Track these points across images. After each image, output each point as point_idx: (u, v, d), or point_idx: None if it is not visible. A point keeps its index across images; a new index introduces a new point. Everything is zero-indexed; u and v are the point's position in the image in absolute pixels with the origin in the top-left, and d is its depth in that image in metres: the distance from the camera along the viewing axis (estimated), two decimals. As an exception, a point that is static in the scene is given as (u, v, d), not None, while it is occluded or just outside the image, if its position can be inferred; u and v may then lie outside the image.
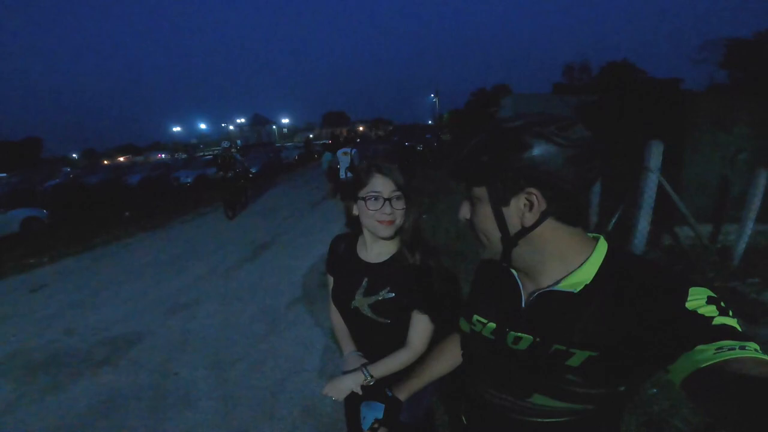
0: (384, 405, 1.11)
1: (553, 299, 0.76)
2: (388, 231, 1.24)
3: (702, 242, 4.54)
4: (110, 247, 8.91)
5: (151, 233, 9.94)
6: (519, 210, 0.73)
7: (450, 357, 1.14)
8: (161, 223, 10.97)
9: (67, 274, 7.15)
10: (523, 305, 0.82)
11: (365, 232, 1.35)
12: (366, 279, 1.34)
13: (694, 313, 0.61)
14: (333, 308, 1.48)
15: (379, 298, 1.30)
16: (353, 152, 8.07)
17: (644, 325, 0.65)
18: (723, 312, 0.62)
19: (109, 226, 10.93)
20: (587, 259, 0.75)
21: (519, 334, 0.80)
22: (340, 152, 8.16)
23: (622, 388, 0.73)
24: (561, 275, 0.75)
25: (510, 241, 0.76)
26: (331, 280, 1.48)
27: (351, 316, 1.38)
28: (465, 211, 0.82)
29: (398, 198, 1.24)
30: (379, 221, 1.23)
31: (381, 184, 1.23)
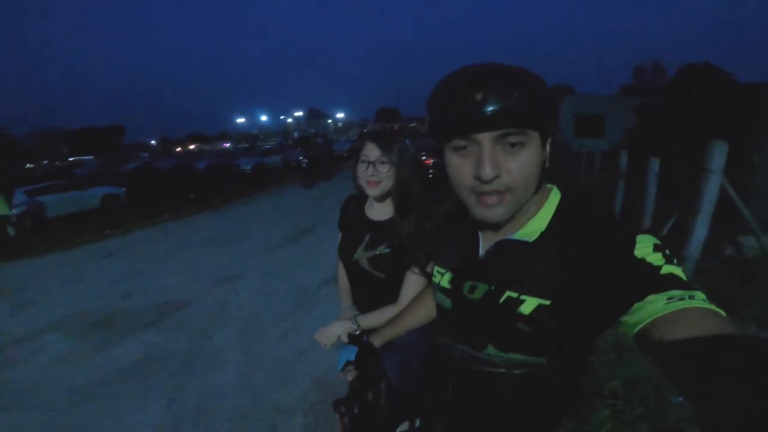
0: (357, 348, 1.15)
1: (509, 248, 0.74)
2: (373, 191, 1.31)
3: (766, 253, 3.96)
4: (174, 223, 9.52)
5: (210, 213, 10.48)
6: (546, 158, 0.70)
7: (424, 308, 1.15)
8: (220, 205, 11.54)
9: (134, 245, 7.71)
10: (480, 255, 0.79)
11: None
12: (368, 235, 1.40)
13: (642, 261, 0.60)
14: (340, 266, 1.55)
15: (377, 253, 1.36)
16: (409, 143, 7.96)
17: (594, 274, 0.63)
18: (669, 260, 0.60)
19: (175, 206, 11.62)
20: (542, 207, 0.73)
21: (475, 283, 0.78)
22: None
23: (575, 340, 0.71)
24: (520, 224, 0.73)
25: (539, 188, 0.71)
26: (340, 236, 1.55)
27: (352, 269, 1.44)
28: (494, 169, 0.63)
29: (382, 162, 1.30)
30: (366, 182, 1.31)
31: (370, 150, 1.31)
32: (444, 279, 0.86)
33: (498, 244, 0.75)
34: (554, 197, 0.74)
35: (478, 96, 0.60)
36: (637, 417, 2.03)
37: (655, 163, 4.67)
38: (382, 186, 1.32)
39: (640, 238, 0.63)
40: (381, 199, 1.38)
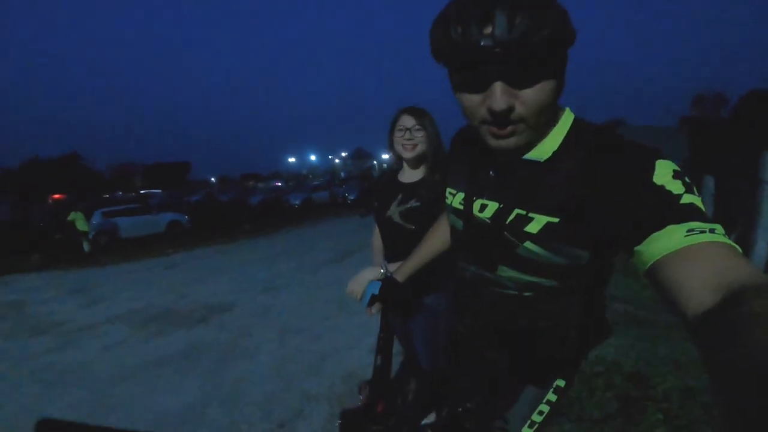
0: (381, 283, 1.20)
1: (520, 167, 0.71)
2: (409, 153, 1.48)
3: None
4: (229, 246, 10.05)
5: (261, 238, 10.97)
6: (563, 83, 0.65)
7: (439, 237, 1.14)
8: (271, 232, 12.09)
9: (194, 259, 8.28)
10: (491, 174, 0.77)
11: (404, 162, 1.60)
12: (400, 194, 1.55)
13: (662, 188, 0.56)
14: (375, 232, 1.73)
15: (408, 206, 1.51)
16: None
17: (609, 195, 0.60)
18: (689, 189, 0.57)
19: (231, 233, 12.33)
20: (555, 127, 0.69)
21: (485, 201, 0.77)
22: None
23: (584, 263, 0.69)
24: (533, 145, 0.69)
25: (552, 115, 0.68)
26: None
27: (385, 226, 1.60)
28: (508, 99, 0.58)
29: (417, 129, 1.48)
30: (403, 146, 1.48)
31: (406, 120, 1.49)
32: (456, 200, 0.85)
33: (509, 163, 0.73)
34: (567, 117, 0.70)
35: (488, 28, 0.55)
36: (693, 421, 1.88)
37: (709, 181, 4.40)
38: (418, 149, 1.49)
39: (659, 163, 0.59)
40: (415, 164, 1.54)
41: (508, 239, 0.72)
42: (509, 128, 0.62)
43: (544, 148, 0.68)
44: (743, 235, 4.01)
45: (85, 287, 6.09)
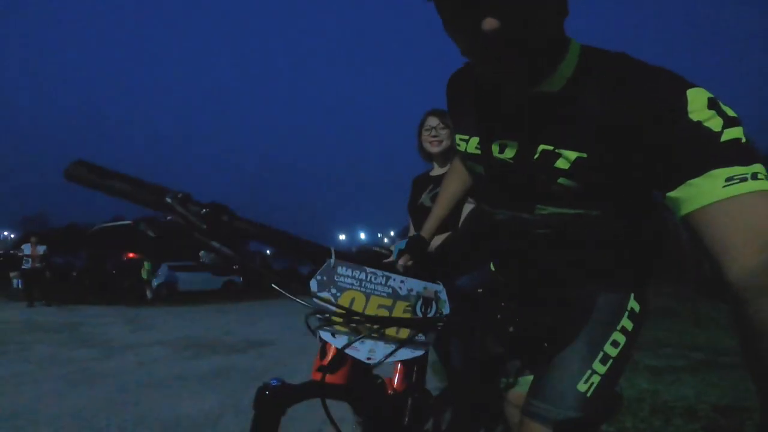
0: (408, 239, 1.16)
1: (534, 101, 0.64)
2: (436, 149, 1.64)
3: None
4: (281, 300, 10.12)
5: (309, 299, 11.06)
6: (566, 8, 0.59)
7: (454, 182, 1.11)
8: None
9: (245, 308, 8.53)
10: (503, 112, 0.69)
11: (433, 161, 1.76)
12: (431, 185, 1.69)
13: (698, 125, 0.49)
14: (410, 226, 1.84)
15: (438, 191, 1.53)
16: None
17: (637, 132, 0.54)
18: (728, 122, 0.49)
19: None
20: (564, 57, 0.62)
21: (503, 141, 0.69)
22: None
23: (628, 185, 0.62)
24: (543, 76, 0.62)
25: (556, 42, 0.61)
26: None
27: (416, 213, 1.70)
28: (493, 21, 0.50)
29: (442, 128, 1.64)
30: (430, 142, 1.64)
31: (431, 120, 1.67)
32: (470, 145, 0.76)
33: (522, 98, 0.65)
34: (574, 47, 0.63)
35: None
36: None
37: None
38: (443, 145, 1.63)
39: (691, 93, 0.51)
40: (442, 161, 1.69)
41: (539, 177, 0.65)
42: (509, 52, 0.54)
43: (556, 79, 0.61)
44: None
45: (139, 318, 6.28)
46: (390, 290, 0.62)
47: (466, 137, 0.76)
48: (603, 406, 0.77)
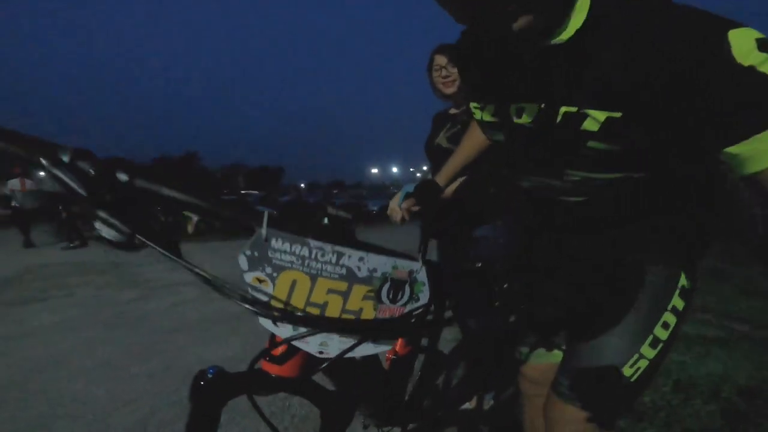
0: (417, 184, 1.07)
1: (545, 57, 0.54)
2: (449, 89, 1.46)
3: None
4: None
5: (336, 232, 11.29)
6: None
7: (476, 138, 1.01)
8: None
9: None
10: (515, 72, 0.60)
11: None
12: (449, 123, 1.57)
13: (752, 70, 0.41)
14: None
15: (454, 130, 1.52)
16: None
17: (679, 84, 0.45)
18: None
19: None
20: (573, 8, 0.51)
21: (520, 104, 0.60)
22: None
23: (669, 142, 0.52)
24: (553, 29, 0.52)
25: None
26: None
27: (434, 153, 1.59)
28: None
29: (453, 66, 1.43)
30: (443, 83, 1.47)
31: (439, 59, 1.48)
32: (485, 113, 0.69)
33: (533, 53, 0.56)
34: None
35: None
36: None
37: None
38: (457, 83, 1.45)
39: (734, 34, 0.42)
40: (461, 99, 1.50)
41: (567, 141, 0.57)
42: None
43: (567, 28, 0.52)
44: None
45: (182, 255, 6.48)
46: (344, 270, 0.47)
47: (481, 105, 0.69)
48: (645, 390, 0.70)
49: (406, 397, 0.85)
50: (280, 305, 0.46)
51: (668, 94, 0.47)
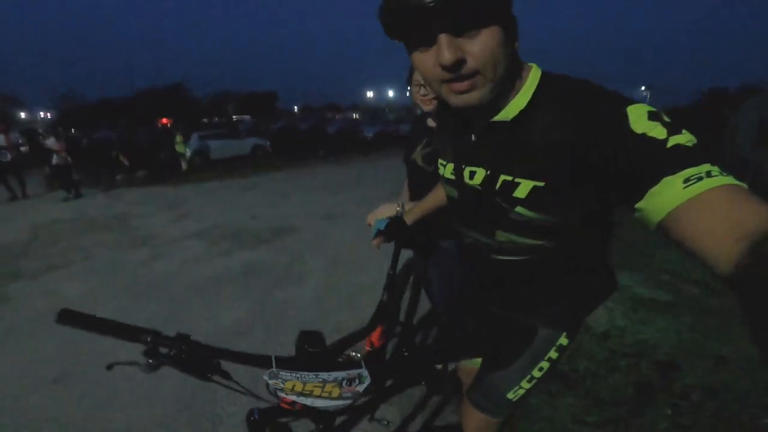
0: (389, 220, 1.21)
1: (495, 130, 0.67)
2: (429, 107, 1.44)
3: None
4: (303, 171, 10.41)
5: (333, 167, 11.19)
6: (516, 37, 0.62)
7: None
8: (343, 162, 12.33)
9: (271, 183, 8.66)
10: (473, 140, 0.73)
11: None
12: (426, 138, 1.52)
13: (644, 137, 0.51)
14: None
15: (429, 150, 1.49)
16: None
17: (589, 154, 0.56)
18: (671, 129, 0.51)
19: (306, 159, 12.72)
20: (523, 86, 0.64)
21: (473, 168, 0.74)
22: None
23: (580, 221, 0.66)
24: (503, 105, 0.65)
25: (513, 70, 0.63)
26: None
27: (410, 169, 1.60)
28: (455, 53, 0.55)
29: None
30: (421, 100, 1.44)
31: (419, 75, 1.35)
32: (447, 170, 0.81)
33: (484, 127, 0.69)
34: (535, 74, 0.65)
35: None
36: (704, 428, 1.62)
37: None
38: (435, 102, 1.41)
39: (631, 109, 0.54)
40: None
41: (500, 205, 0.69)
42: (466, 82, 0.58)
43: (512, 108, 0.64)
44: None
45: (178, 203, 6.64)
46: (321, 380, 0.76)
47: (445, 162, 0.82)
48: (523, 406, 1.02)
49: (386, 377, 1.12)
50: (290, 393, 0.75)
51: (584, 165, 0.57)
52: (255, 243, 4.36)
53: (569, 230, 0.68)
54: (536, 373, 0.88)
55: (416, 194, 1.55)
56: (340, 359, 0.95)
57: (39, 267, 3.78)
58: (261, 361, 0.72)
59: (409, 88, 1.51)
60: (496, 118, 0.65)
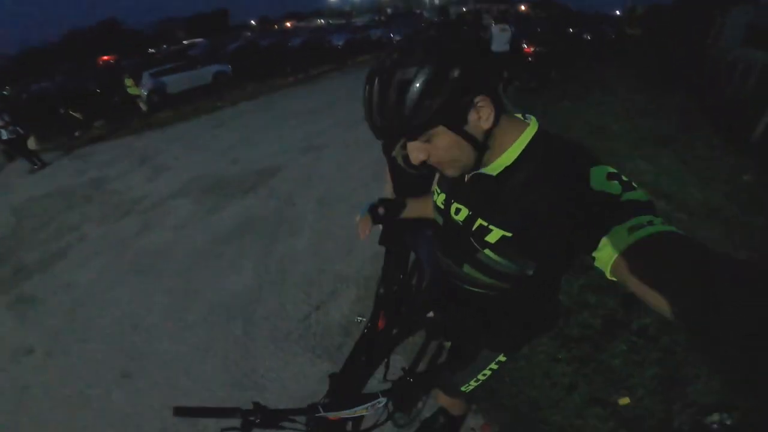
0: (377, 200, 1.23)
1: (480, 180, 0.75)
2: None
3: None
4: (274, 96, 9.78)
5: (304, 87, 10.52)
6: (476, 120, 0.65)
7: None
8: (314, 79, 11.54)
9: (240, 115, 8.16)
10: (465, 180, 0.79)
11: None
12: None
13: (601, 193, 0.58)
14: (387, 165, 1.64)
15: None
16: (511, 28, 7.08)
17: (554, 209, 0.62)
18: (627, 187, 0.58)
19: (275, 79, 11.87)
20: (514, 142, 0.70)
21: (459, 205, 0.81)
22: (497, 28, 6.95)
23: (534, 272, 0.74)
24: (494, 158, 0.71)
25: (483, 147, 0.68)
26: None
27: (391, 162, 1.53)
28: (418, 155, 0.68)
29: None
30: None
31: None
32: (439, 198, 0.88)
33: (474, 176, 0.76)
34: (529, 132, 0.70)
35: (370, 118, 0.67)
36: (651, 360, 1.80)
37: None
38: None
39: (594, 170, 0.60)
40: None
41: (472, 244, 0.77)
42: (438, 168, 0.71)
43: (498, 163, 0.70)
44: None
45: (150, 155, 6.25)
46: (353, 410, 0.96)
47: (439, 191, 0.90)
48: (475, 396, 1.44)
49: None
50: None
51: (549, 221, 0.63)
52: (241, 192, 4.27)
53: (525, 278, 0.76)
54: (481, 377, 1.10)
55: (400, 186, 1.56)
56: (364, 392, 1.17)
57: (42, 257, 3.61)
58: (310, 410, 0.89)
59: None
60: (483, 170, 0.73)
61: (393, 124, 0.63)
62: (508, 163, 0.69)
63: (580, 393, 1.71)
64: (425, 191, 1.27)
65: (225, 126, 7.42)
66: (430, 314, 1.59)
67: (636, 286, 0.51)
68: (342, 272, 2.67)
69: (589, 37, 14.53)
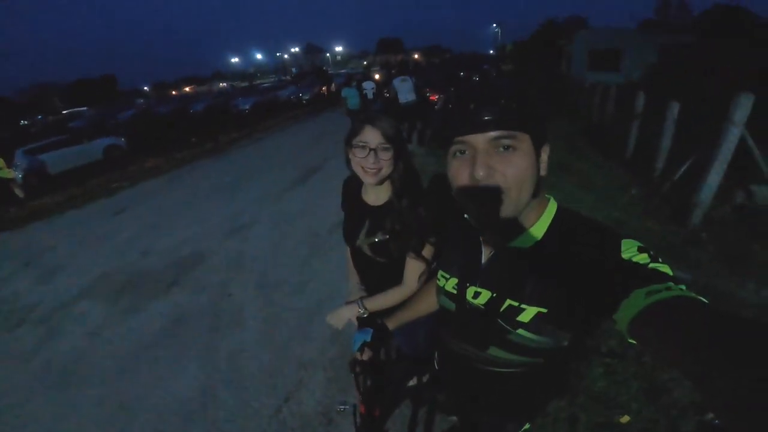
0: (372, 330, 1.20)
1: (508, 256, 0.76)
2: (371, 179, 1.19)
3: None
4: (179, 171, 9.26)
5: (214, 158, 10.20)
6: (544, 162, 0.71)
7: (431, 303, 1.15)
8: (223, 148, 11.27)
9: (144, 197, 7.51)
10: (483, 262, 0.81)
11: None
12: (368, 221, 1.33)
13: (629, 261, 0.62)
14: (348, 252, 1.54)
15: (376, 240, 1.31)
16: (412, 79, 7.59)
17: (586, 280, 0.65)
18: (654, 259, 0.62)
19: (179, 151, 11.31)
20: (540, 217, 0.74)
21: (478, 289, 0.81)
22: (397, 80, 7.47)
23: (567, 342, 0.74)
24: (519, 232, 0.74)
25: (537, 192, 0.71)
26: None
27: (356, 254, 1.43)
28: (485, 168, 0.67)
29: (385, 149, 1.17)
30: (363, 169, 1.18)
31: (370, 135, 1.16)
32: (449, 284, 0.87)
33: (498, 252, 0.77)
34: (551, 208, 0.76)
35: (471, 105, 0.66)
36: (630, 376, 2.01)
37: (674, 107, 4.44)
38: (382, 173, 1.19)
39: (624, 242, 0.65)
40: (379, 184, 1.25)
41: (501, 326, 0.77)
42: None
43: (529, 236, 0.73)
44: (696, 165, 4.10)
45: (36, 253, 5.44)
46: None
47: (447, 276, 0.88)
48: None
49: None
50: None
51: (582, 292, 0.65)
52: (162, 288, 3.90)
53: (556, 349, 0.76)
54: None
55: (368, 282, 1.44)
56: None
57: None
58: None
59: (346, 146, 1.22)
60: (514, 243, 0.74)
61: (496, 111, 0.64)
62: (539, 237, 0.72)
63: (583, 423, 1.78)
64: (395, 281, 1.31)
65: (127, 211, 6.75)
66: (412, 382, 1.67)
67: (649, 346, 0.52)
68: (304, 357, 2.60)
69: (477, 78, 16.31)
